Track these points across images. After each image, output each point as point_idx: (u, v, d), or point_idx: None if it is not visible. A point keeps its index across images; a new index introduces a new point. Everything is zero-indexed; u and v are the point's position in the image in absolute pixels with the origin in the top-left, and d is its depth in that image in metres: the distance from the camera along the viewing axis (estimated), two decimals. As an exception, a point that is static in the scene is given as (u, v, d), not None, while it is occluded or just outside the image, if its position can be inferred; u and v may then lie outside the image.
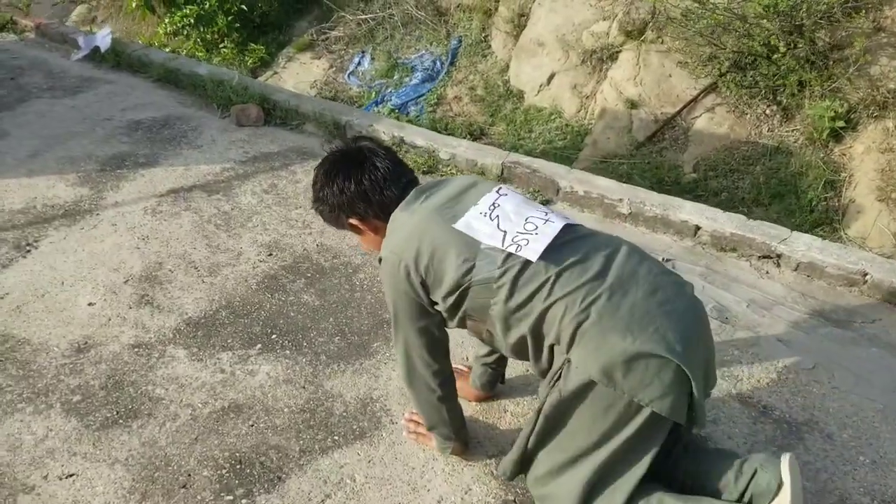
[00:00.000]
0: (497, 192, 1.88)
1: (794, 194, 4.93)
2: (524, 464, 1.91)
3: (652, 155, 5.87)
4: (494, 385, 2.44)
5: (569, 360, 1.67)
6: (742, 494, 1.81)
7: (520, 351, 1.82)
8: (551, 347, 1.73)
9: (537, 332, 1.72)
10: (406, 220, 1.83)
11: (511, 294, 1.71)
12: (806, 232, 4.31)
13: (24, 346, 2.71)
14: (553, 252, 1.71)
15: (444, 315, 1.86)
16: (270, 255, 3.21)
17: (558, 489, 1.83)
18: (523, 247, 1.71)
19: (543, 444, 1.84)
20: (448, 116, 7.12)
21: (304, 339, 2.75)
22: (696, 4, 5.17)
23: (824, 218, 4.62)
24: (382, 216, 1.91)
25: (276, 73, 8.26)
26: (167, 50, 8.35)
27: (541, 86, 6.77)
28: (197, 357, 2.66)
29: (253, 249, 3.25)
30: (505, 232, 1.75)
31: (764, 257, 3.06)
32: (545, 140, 6.47)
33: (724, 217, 3.15)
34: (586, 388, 1.66)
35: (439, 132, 6.71)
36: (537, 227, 1.76)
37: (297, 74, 8.09)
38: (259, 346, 2.71)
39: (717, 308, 2.85)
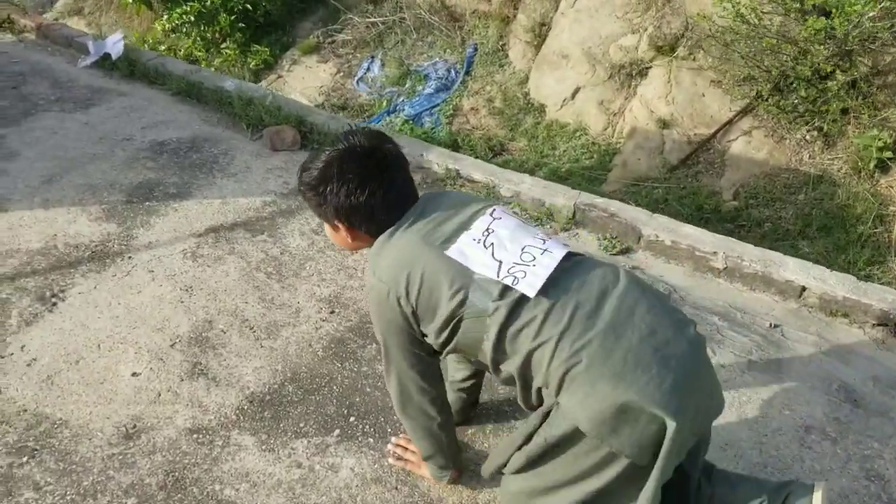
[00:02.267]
0: (491, 214, 1.70)
1: (842, 227, 4.64)
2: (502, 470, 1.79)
3: (687, 179, 5.55)
4: (468, 412, 2.32)
5: (558, 403, 1.54)
6: None
7: (508, 383, 1.68)
8: (539, 390, 1.60)
9: (524, 372, 1.58)
10: (394, 243, 1.67)
11: (502, 330, 1.56)
12: (861, 270, 4.02)
13: (62, 429, 2.27)
14: (548, 285, 1.56)
15: (436, 347, 1.71)
16: (332, 312, 2.80)
17: None
18: (520, 279, 1.56)
19: (522, 471, 1.70)
20: (465, 129, 6.73)
21: (387, 422, 2.34)
22: (745, 26, 4.81)
23: (877, 255, 4.33)
24: (374, 234, 1.72)
25: (280, 76, 7.78)
26: (163, 48, 7.82)
27: (564, 100, 6.40)
28: (267, 446, 2.24)
29: (312, 305, 2.83)
30: (500, 262, 1.59)
31: (879, 325, 2.73)
32: (571, 158, 6.12)
33: (833, 278, 2.81)
34: (573, 435, 1.54)
35: (459, 149, 6.32)
36: (534, 258, 1.61)
37: (303, 79, 7.61)
38: (337, 431, 2.30)
39: (843, 388, 2.52)
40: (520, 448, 1.67)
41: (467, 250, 1.60)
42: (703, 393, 1.55)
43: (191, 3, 7.55)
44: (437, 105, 6.94)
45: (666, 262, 3.12)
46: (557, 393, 1.52)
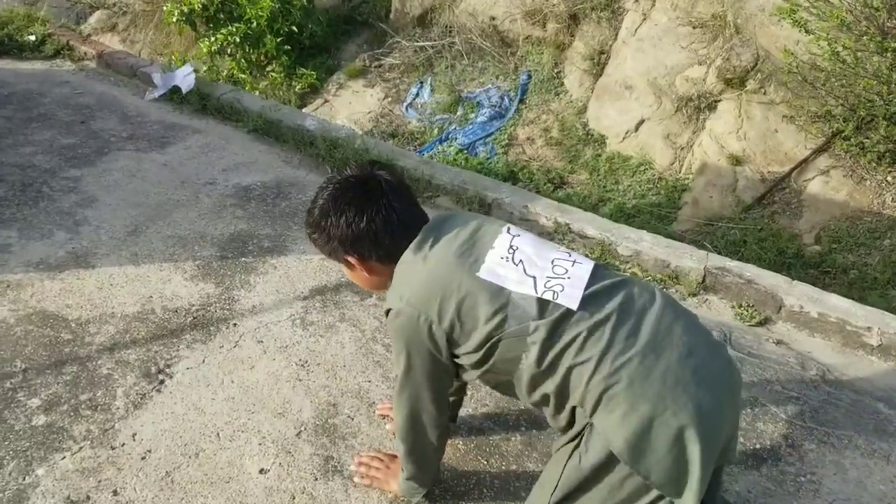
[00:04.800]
0: (508, 232, 1.67)
1: (936, 277, 4.36)
2: None
3: (763, 220, 5.26)
4: (454, 410, 2.33)
5: (591, 424, 1.49)
6: None
7: (540, 404, 1.63)
8: (573, 409, 1.54)
9: (562, 391, 1.53)
10: (420, 268, 1.60)
11: (543, 350, 1.51)
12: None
13: (192, 541, 1.97)
14: (586, 301, 1.53)
15: (467, 368, 1.66)
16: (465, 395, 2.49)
17: None
18: (559, 293, 1.53)
19: None
20: (522, 160, 6.43)
21: (551, 534, 2.04)
22: (840, 65, 4.53)
23: (980, 308, 4.01)
24: (386, 261, 1.67)
25: (326, 100, 7.49)
26: (205, 69, 7.53)
27: (627, 132, 6.11)
28: (425, 566, 1.94)
29: (440, 385, 2.52)
30: (534, 277, 1.56)
31: None
32: (636, 194, 5.83)
33: None
34: (608, 462, 1.49)
35: (518, 181, 6.03)
36: (567, 271, 1.58)
37: (350, 104, 7.32)
38: (499, 547, 2.00)
39: None
40: (552, 493, 1.61)
41: (499, 269, 1.56)
42: (732, 419, 1.55)
43: (236, 25, 7.27)
44: (492, 134, 6.65)
45: (810, 336, 2.83)
46: (592, 412, 1.48)
